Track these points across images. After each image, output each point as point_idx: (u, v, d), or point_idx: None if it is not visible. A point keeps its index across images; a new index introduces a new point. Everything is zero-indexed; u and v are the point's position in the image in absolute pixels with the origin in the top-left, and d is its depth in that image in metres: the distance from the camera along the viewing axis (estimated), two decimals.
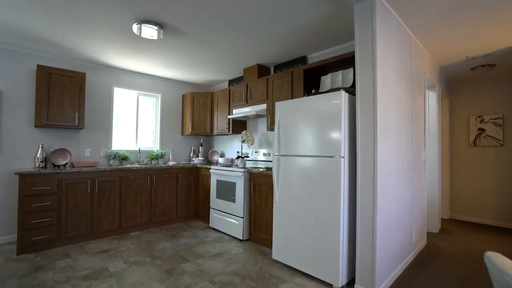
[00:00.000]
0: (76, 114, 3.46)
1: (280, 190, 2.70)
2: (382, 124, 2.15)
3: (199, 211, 4.34)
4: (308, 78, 3.26)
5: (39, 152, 3.30)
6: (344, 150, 2.22)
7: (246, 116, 3.95)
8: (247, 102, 3.93)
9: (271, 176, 3.08)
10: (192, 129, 4.61)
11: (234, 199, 3.47)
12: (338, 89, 2.52)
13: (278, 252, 2.68)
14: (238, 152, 4.49)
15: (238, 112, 3.97)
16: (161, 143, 4.62)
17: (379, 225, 2.09)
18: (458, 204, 4.50)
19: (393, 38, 2.38)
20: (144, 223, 3.79)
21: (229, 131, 4.25)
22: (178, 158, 4.82)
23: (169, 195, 4.04)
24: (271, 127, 3.51)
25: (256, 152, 4.03)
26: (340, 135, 2.22)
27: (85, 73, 3.53)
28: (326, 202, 2.29)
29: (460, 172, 4.51)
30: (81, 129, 3.63)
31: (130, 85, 4.30)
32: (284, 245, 2.62)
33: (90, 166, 3.60)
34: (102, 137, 3.99)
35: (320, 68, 3.16)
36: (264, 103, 3.66)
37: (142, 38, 2.98)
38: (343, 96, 2.23)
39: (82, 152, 3.81)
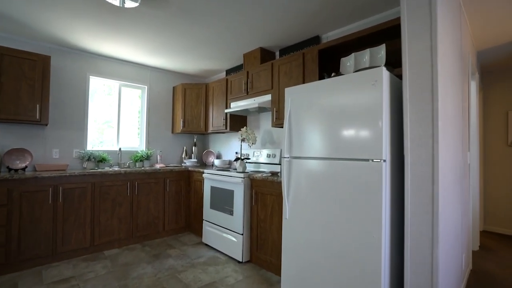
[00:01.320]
0: (38, 106, 2.80)
1: (292, 203, 2.06)
2: (442, 115, 1.51)
3: (190, 222, 3.69)
4: (323, 61, 2.63)
5: None
6: (386, 151, 1.58)
7: (247, 110, 3.31)
8: (248, 94, 3.29)
9: (278, 183, 2.44)
10: (184, 126, 3.97)
11: (232, 211, 2.82)
12: (374, 67, 1.88)
13: (290, 285, 2.03)
14: (236, 153, 3.85)
15: (237, 106, 3.33)
16: (148, 142, 3.97)
17: (441, 258, 1.45)
18: (493, 215, 3.87)
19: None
20: (123, 238, 3.14)
21: (226, 128, 3.60)
22: (167, 160, 4.18)
23: (154, 204, 3.40)
24: (277, 123, 2.87)
25: (258, 153, 3.39)
26: (380, 131, 1.58)
27: (49, 57, 2.88)
28: (359, 222, 1.65)
29: (496, 176, 3.87)
30: (45, 125, 2.98)
31: (110, 74, 3.65)
32: (298, 276, 1.97)
33: (58, 170, 2.95)
34: (74, 135, 3.34)
35: (338, 49, 2.52)
36: (268, 93, 3.02)
37: (116, 7, 2.33)
38: (385, 75, 1.59)
39: (49, 153, 3.16)
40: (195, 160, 4.03)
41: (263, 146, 3.49)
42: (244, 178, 2.72)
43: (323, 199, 1.84)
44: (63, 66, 3.27)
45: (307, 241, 1.93)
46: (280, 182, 2.42)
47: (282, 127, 3.05)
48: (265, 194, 2.58)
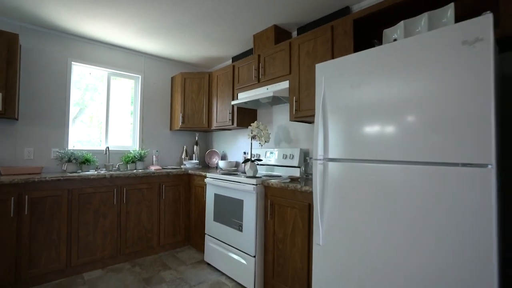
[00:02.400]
0: (0, 95, 2.27)
1: (329, 224, 1.48)
2: None
3: (191, 235, 3.13)
4: (357, 36, 2.05)
5: None
6: (492, 152, 0.99)
7: (257, 102, 2.74)
8: (259, 81, 2.72)
9: (302, 194, 1.87)
10: (183, 121, 3.41)
11: (241, 226, 2.25)
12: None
13: None
14: (245, 153, 3.28)
15: (246, 97, 2.76)
16: (142, 141, 3.42)
17: None
18: None
19: None
20: (108, 257, 2.59)
21: (232, 124, 3.04)
22: (165, 161, 3.62)
23: (147, 215, 2.84)
24: (297, 116, 2.29)
25: (271, 153, 2.81)
26: (488, 120, 0.99)
27: (16, 35, 2.35)
28: (451, 261, 1.06)
29: None
30: (15, 119, 2.45)
31: (97, 60, 3.11)
32: None
33: (29, 174, 2.42)
34: (53, 132, 2.80)
35: (379, 19, 1.94)
36: (285, 80, 2.45)
37: None
38: (491, 30, 1.00)
39: (20, 153, 2.63)
40: (197, 161, 3.46)
41: (277, 145, 2.92)
42: (256, 185, 2.14)
43: (385, 221, 1.26)
44: (38, 49, 2.74)
45: (357, 281, 1.34)
46: (305, 192, 1.84)
47: (304, 121, 2.47)
48: (284, 207, 2.01)
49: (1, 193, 2.07)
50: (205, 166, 3.88)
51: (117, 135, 3.31)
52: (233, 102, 2.86)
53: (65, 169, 2.75)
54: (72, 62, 2.95)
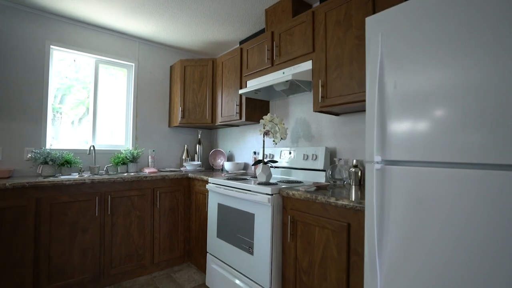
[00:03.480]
0: None
1: (392, 261, 0.95)
2: None
3: (191, 250, 2.63)
4: None
5: None
6: None
7: (270, 91, 2.24)
8: (273, 65, 2.20)
9: (339, 209, 1.33)
10: (183, 116, 2.92)
11: (252, 247, 1.74)
12: None
13: None
14: (256, 153, 2.77)
15: (257, 84, 2.24)
16: (136, 139, 2.95)
17: None
18: None
19: None
20: (89, 280, 2.11)
21: (240, 118, 2.53)
22: (163, 162, 3.14)
23: (138, 227, 2.36)
24: (324, 105, 1.77)
25: (287, 153, 2.29)
26: None
27: None
28: None
29: None
30: None
31: (82, 44, 2.66)
32: None
33: None
34: (27, 129, 2.36)
35: None
36: (307, 59, 1.93)
37: None
38: None
39: None
40: (199, 162, 2.97)
41: (295, 143, 2.39)
42: (272, 195, 1.62)
43: (499, 265, 0.72)
44: (9, 29, 2.29)
45: None
46: (341, 207, 1.31)
47: (330, 113, 1.94)
48: (310, 225, 1.48)
49: None
50: (209, 168, 3.38)
51: (107, 132, 2.85)
52: (241, 91, 2.35)
53: (40, 172, 2.29)
54: (51, 46, 2.50)
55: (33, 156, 2.26)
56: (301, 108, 2.36)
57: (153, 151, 3.06)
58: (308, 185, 1.74)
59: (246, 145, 2.97)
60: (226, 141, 3.30)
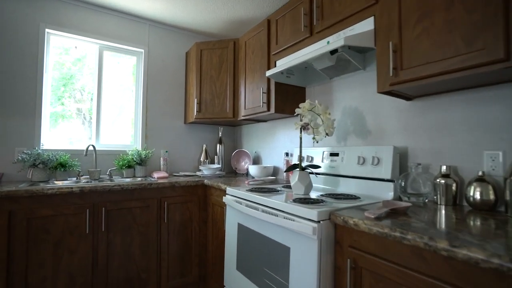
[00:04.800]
0: None
1: None
2: None
3: (207, 275, 2.12)
4: None
5: None
6: None
7: (307, 72, 1.67)
8: (312, 33, 1.61)
9: (456, 263, 0.70)
10: (200, 110, 2.43)
11: None
12: None
13: None
14: (288, 154, 2.18)
15: (291, 60, 1.65)
16: (145, 138, 2.52)
17: None
18: None
19: None
20: None
21: (268, 109, 1.97)
22: (178, 165, 2.68)
23: (141, 246, 1.89)
24: (398, 80, 1.13)
25: (333, 154, 1.67)
26: None
27: None
28: None
29: None
30: None
31: (84, 28, 2.27)
32: None
33: None
34: (18, 126, 2.01)
35: None
36: (366, 17, 1.30)
37: None
38: None
39: None
40: (218, 165, 2.45)
41: (341, 140, 1.77)
42: (319, 222, 1.02)
43: None
44: None
45: None
46: (464, 261, 0.67)
47: (400, 95, 1.29)
48: (388, 282, 0.86)
49: None
50: (232, 172, 2.86)
51: (113, 130, 2.44)
52: (268, 73, 1.79)
53: (30, 177, 1.92)
54: (47, 30, 2.14)
55: (20, 158, 1.89)
56: (350, 94, 1.73)
57: (166, 152, 2.60)
58: (377, 206, 1.11)
59: (275, 144, 2.40)
60: (251, 140, 2.75)
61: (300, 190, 1.44)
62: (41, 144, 2.05)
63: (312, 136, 1.51)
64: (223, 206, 1.87)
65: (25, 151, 1.93)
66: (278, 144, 2.37)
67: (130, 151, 2.32)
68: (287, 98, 1.99)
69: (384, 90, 1.19)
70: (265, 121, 2.51)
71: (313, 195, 1.41)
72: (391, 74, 1.13)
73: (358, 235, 0.95)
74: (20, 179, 1.99)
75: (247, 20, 2.53)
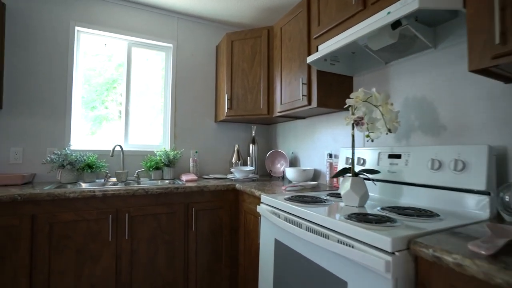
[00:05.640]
0: None
1: None
2: None
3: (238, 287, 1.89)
4: None
5: None
6: None
7: (357, 57, 1.36)
8: (366, 6, 1.29)
9: None
10: (231, 107, 2.22)
11: None
12: None
13: None
14: (331, 156, 1.87)
15: (337, 41, 1.34)
16: (174, 137, 2.38)
17: None
18: None
19: None
20: None
21: (308, 103, 1.68)
22: (208, 167, 2.50)
23: (167, 256, 1.72)
24: (505, 52, 0.77)
25: (392, 156, 1.33)
26: None
27: (3, 4, 1.53)
28: None
29: None
30: None
31: (112, 24, 2.19)
32: None
33: (2, 186, 1.59)
34: (50, 126, 1.97)
35: None
36: None
37: None
38: None
39: (5, 154, 1.85)
40: (251, 168, 2.22)
41: (402, 138, 1.42)
42: (393, 254, 0.72)
43: None
44: (28, 10, 1.94)
45: None
46: None
47: (500, 76, 0.92)
48: None
49: None
50: (266, 175, 2.61)
51: (142, 129, 2.34)
52: (310, 59, 1.51)
53: (59, 178, 1.87)
54: (77, 28, 2.08)
55: (49, 158, 1.83)
56: (415, 81, 1.37)
57: (196, 152, 2.44)
58: (479, 233, 0.78)
59: (315, 144, 2.09)
60: (287, 139, 2.47)
61: (353, 201, 1.14)
62: (69, 145, 1.99)
63: (365, 133, 1.20)
64: (257, 215, 1.63)
65: (55, 152, 1.88)
66: (319, 144, 2.06)
67: (158, 152, 2.18)
68: (331, 90, 1.68)
69: (482, 66, 0.85)
70: (303, 118, 2.21)
71: (371, 208, 1.10)
72: (497, 42, 0.78)
73: (462, 280, 0.63)
74: (50, 180, 1.95)
75: (282, 6, 2.26)
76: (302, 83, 1.69)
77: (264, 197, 1.40)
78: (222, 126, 2.58)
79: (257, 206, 1.41)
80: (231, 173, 2.47)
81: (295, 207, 1.14)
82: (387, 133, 1.14)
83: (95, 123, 2.17)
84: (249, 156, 2.50)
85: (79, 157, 1.89)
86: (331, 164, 1.86)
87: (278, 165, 2.38)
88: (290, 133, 2.43)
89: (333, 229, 0.90)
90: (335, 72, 1.68)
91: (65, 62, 2.03)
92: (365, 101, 1.18)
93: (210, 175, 2.30)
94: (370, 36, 1.22)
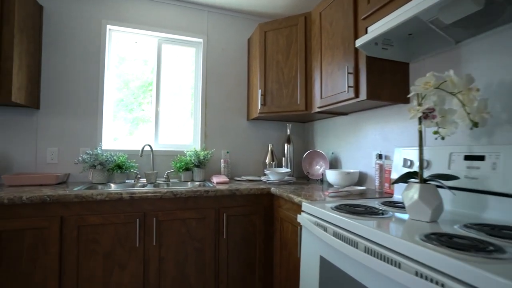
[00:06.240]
0: (23, 79, 1.48)
1: None
2: None
3: None
4: None
5: None
6: None
7: (413, 35, 1.06)
8: None
9: None
10: (264, 103, 2.04)
11: None
12: None
13: None
14: (381, 156, 1.60)
15: (391, 20, 1.10)
16: (205, 136, 2.26)
17: None
18: None
19: None
20: None
21: (356, 95, 1.44)
22: (240, 168, 2.35)
23: (196, 264, 1.59)
24: None
25: (471, 157, 1.05)
26: None
27: (41, 7, 1.54)
28: None
29: None
30: (36, 108, 1.72)
31: (143, 21, 2.14)
32: None
33: (36, 185, 1.58)
34: (83, 126, 1.96)
35: None
36: None
37: None
38: None
39: (42, 154, 1.87)
40: (287, 170, 2.02)
41: (482, 136, 1.12)
42: None
43: None
44: (63, 12, 1.94)
45: None
46: None
47: None
48: None
49: None
50: (302, 177, 2.39)
51: (171, 129, 2.26)
52: (359, 42, 1.28)
53: (90, 178, 1.84)
54: (109, 27, 2.05)
55: (81, 158, 1.81)
56: (502, 61, 1.07)
57: (227, 152, 2.30)
58: None
59: (361, 144, 1.83)
60: (326, 138, 2.23)
61: (422, 214, 0.89)
62: (100, 145, 1.96)
63: (436, 128, 0.95)
64: (296, 224, 1.43)
65: (87, 152, 1.85)
66: (365, 143, 1.80)
67: (188, 152, 2.07)
68: (383, 79, 1.43)
69: None
70: (345, 113, 1.96)
71: (448, 225, 0.85)
72: None
73: None
74: (83, 180, 1.93)
75: None
76: (348, 73, 1.46)
77: (306, 205, 1.20)
78: (255, 124, 2.41)
79: (297, 214, 1.21)
80: (264, 175, 2.30)
81: (347, 219, 0.92)
82: (471, 128, 0.87)
83: (133, 124, 2.14)
84: (284, 156, 2.30)
85: (109, 157, 1.85)
86: (381, 166, 1.59)
87: (317, 167, 2.15)
88: (329, 132, 2.19)
89: (408, 255, 0.68)
90: (387, 58, 1.42)
91: (97, 61, 2.01)
92: (437, 88, 0.93)
93: (242, 177, 2.15)
94: (444, 5, 0.96)
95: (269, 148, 2.34)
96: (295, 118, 2.28)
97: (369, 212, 0.99)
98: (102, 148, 1.96)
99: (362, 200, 1.29)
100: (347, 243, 0.89)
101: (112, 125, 2.10)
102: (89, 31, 1.99)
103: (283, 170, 2.02)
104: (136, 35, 2.17)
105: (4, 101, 1.54)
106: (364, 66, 1.39)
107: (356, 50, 1.45)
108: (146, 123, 2.18)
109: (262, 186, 1.73)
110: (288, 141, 2.31)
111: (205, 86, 2.27)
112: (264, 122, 2.43)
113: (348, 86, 1.46)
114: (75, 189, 1.51)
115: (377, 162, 1.61)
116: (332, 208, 1.07)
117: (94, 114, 1.98)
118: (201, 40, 2.28)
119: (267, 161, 2.31)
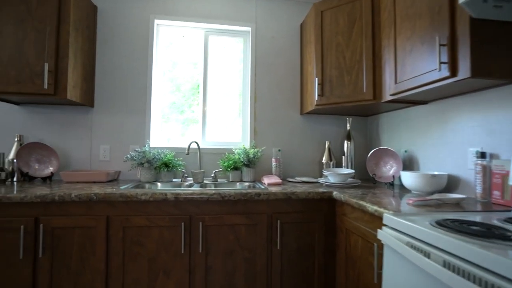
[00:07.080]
0: (81, 79, 1.50)
1: None
2: None
3: None
4: None
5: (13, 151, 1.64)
6: None
7: None
8: None
9: None
10: (322, 94, 1.77)
11: None
12: None
13: None
14: (484, 156, 1.21)
15: None
16: (254, 133, 2.07)
17: None
18: None
19: None
20: None
21: (453, 73, 1.08)
22: (292, 168, 2.11)
23: (246, 276, 1.40)
24: None
25: None
26: None
27: (95, 7, 1.55)
28: None
29: None
30: (91, 106, 1.75)
31: (189, 13, 2.04)
32: None
33: (88, 183, 1.58)
34: (132, 123, 1.93)
35: None
36: None
37: None
38: None
39: (95, 151, 1.89)
40: (351, 171, 1.71)
41: None
42: None
43: None
44: (114, 9, 1.94)
45: None
46: None
47: None
48: None
49: (11, 216, 1.23)
50: (366, 179, 2.04)
51: (219, 124, 2.12)
52: None
53: (139, 176, 1.79)
54: (156, 21, 2.00)
55: (129, 156, 1.76)
56: None
57: (279, 150, 2.08)
58: None
59: (448, 139, 1.44)
60: (397, 133, 1.86)
61: None
62: (147, 142, 1.91)
63: None
64: (370, 240, 1.13)
65: (136, 149, 1.81)
66: (454, 139, 1.40)
67: (237, 150, 1.91)
68: (496, 50, 1.05)
69: None
70: (425, 102, 1.58)
71: None
72: None
73: None
74: (132, 178, 1.90)
75: None
76: (440, 44, 1.11)
77: (389, 217, 0.91)
78: (309, 119, 2.15)
79: (371, 226, 0.93)
80: (321, 176, 2.02)
81: (466, 244, 0.62)
82: None
83: (184, 125, 2.08)
84: (344, 155, 1.99)
85: (157, 155, 1.77)
86: (484, 167, 1.20)
87: (387, 167, 1.79)
88: (400, 126, 1.82)
89: None
90: (502, 20, 1.04)
91: (146, 57, 1.97)
92: None
93: (296, 178, 1.90)
94: None
95: (326, 146, 2.05)
96: (356, 111, 1.95)
97: (494, 234, 0.67)
98: (150, 146, 1.91)
99: (465, 213, 0.95)
100: (470, 281, 0.59)
101: (165, 127, 2.05)
102: (138, 27, 1.96)
103: (346, 171, 1.72)
104: (183, 29, 2.09)
105: (60, 98, 1.56)
106: (467, 33, 1.04)
107: (452, 14, 1.10)
108: (195, 124, 2.09)
109: (321, 190, 1.47)
110: (348, 138, 1.99)
111: (254, 78, 2.08)
112: (320, 116, 2.15)
113: (440, 63, 1.11)
114: (121, 187, 1.45)
115: (478, 162, 1.22)
116: (433, 225, 0.77)
117: (143, 111, 1.94)
118: (249, 28, 2.10)
119: (323, 160, 2.03)
